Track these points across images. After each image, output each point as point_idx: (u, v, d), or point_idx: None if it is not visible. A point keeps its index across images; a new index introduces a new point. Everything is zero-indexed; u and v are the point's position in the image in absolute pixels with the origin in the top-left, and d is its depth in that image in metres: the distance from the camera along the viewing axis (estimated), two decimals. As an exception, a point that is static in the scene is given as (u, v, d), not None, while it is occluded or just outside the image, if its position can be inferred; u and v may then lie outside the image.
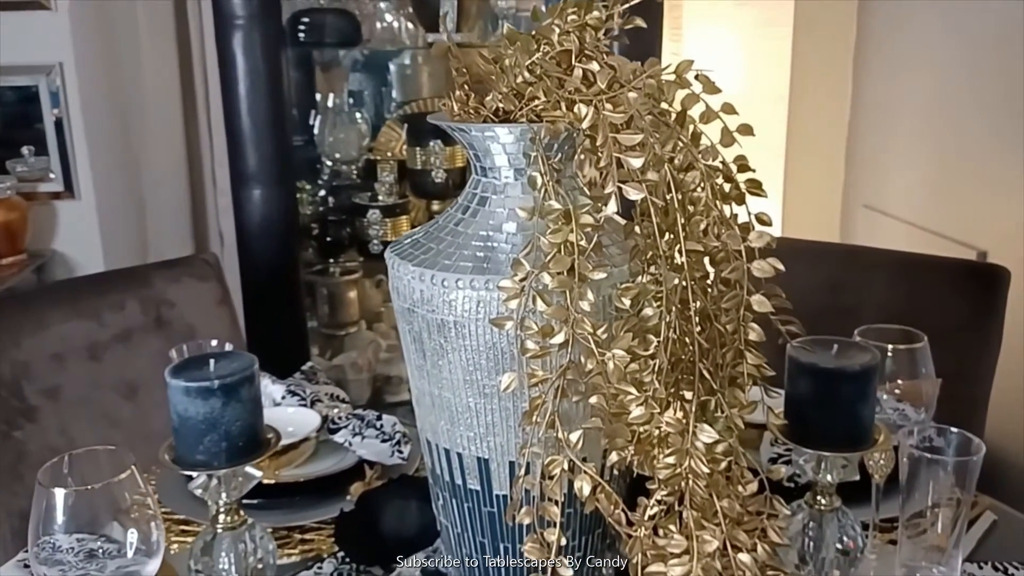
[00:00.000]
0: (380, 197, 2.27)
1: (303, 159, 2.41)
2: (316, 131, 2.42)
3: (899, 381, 0.98)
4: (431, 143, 2.21)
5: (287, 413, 1.25)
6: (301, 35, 2.20)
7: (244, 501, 0.88)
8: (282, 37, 2.08)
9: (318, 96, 2.44)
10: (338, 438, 1.20)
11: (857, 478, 0.87)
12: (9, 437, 1.34)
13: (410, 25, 2.27)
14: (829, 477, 0.85)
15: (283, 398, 1.28)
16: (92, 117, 2.37)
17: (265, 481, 1.14)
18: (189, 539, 1.06)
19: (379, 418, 1.22)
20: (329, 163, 2.44)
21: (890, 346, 0.96)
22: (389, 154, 2.37)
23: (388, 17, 2.32)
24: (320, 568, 1.03)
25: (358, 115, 2.43)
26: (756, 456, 0.74)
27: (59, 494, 0.70)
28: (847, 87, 2.59)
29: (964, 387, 1.43)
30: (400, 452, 1.18)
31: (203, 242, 2.47)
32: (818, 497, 0.87)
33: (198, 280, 1.56)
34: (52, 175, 2.45)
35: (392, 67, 2.50)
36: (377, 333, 2.44)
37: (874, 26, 2.50)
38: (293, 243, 2.18)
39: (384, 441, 1.19)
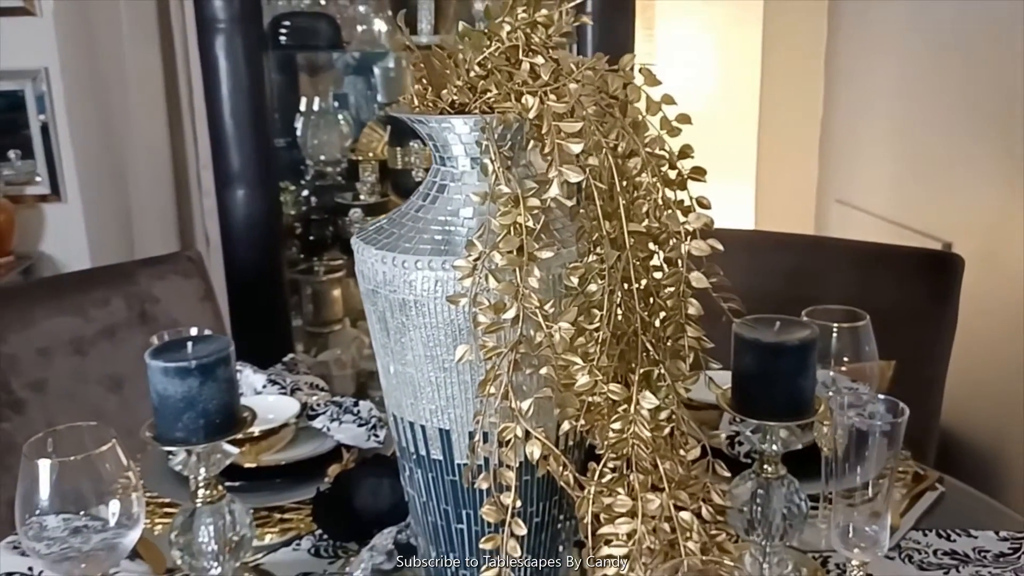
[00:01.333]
0: (362, 196, 2.33)
1: (287, 160, 2.46)
2: (299, 133, 2.47)
3: (845, 359, 1.03)
4: (411, 143, 2.26)
5: (268, 401, 1.29)
6: (283, 38, 2.25)
7: (227, 484, 0.93)
8: (263, 40, 2.13)
9: (303, 99, 2.49)
10: (316, 424, 1.25)
11: (800, 447, 0.92)
12: (-2, 429, 1.39)
13: (390, 27, 2.32)
14: (773, 446, 0.90)
15: (264, 387, 1.33)
16: (77, 121, 2.41)
17: (247, 465, 1.20)
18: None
19: (356, 404, 1.27)
20: (312, 164, 2.48)
21: (835, 325, 1.01)
22: (371, 155, 2.42)
23: (373, 20, 2.37)
24: (299, 545, 1.08)
25: (340, 117, 2.48)
26: (706, 430, 0.79)
27: (43, 465, 0.74)
28: (819, 86, 2.65)
29: (921, 368, 1.49)
30: (376, 436, 1.22)
31: (189, 243, 2.50)
32: (765, 466, 0.92)
33: (182, 277, 1.61)
34: (38, 178, 2.49)
35: (376, 70, 2.55)
36: (360, 331, 2.49)
37: (844, 26, 2.56)
38: (277, 242, 2.23)
39: (360, 426, 1.24)
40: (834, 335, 1.02)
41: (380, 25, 2.30)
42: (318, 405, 1.28)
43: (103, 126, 2.41)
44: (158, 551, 1.06)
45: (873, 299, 1.53)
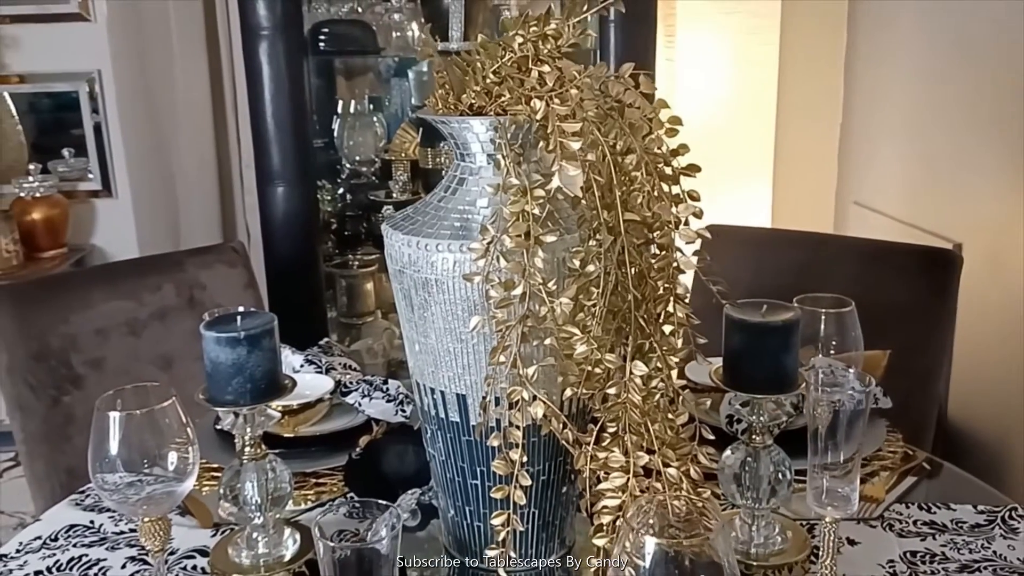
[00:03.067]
0: (394, 194, 2.44)
1: (324, 160, 2.58)
2: (336, 134, 2.60)
3: (833, 343, 1.12)
4: (441, 144, 2.37)
5: (305, 378, 1.40)
6: (322, 44, 2.37)
7: (268, 451, 1.04)
8: (304, 46, 2.26)
9: (340, 102, 2.61)
10: (349, 400, 1.36)
11: (784, 419, 1.01)
12: (59, 402, 1.52)
13: (422, 34, 2.43)
14: (761, 417, 1.00)
15: (302, 366, 1.44)
16: (128, 121, 2.56)
17: (286, 435, 1.31)
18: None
19: (385, 382, 1.38)
20: (348, 163, 2.61)
21: (823, 311, 1.10)
22: (403, 155, 2.54)
23: (407, 27, 2.48)
24: (332, 505, 1.19)
25: (375, 119, 2.60)
26: (692, 397, 0.88)
27: (113, 417, 0.85)
28: (839, 91, 2.73)
29: (921, 359, 1.57)
30: (403, 411, 1.33)
31: (231, 237, 2.65)
32: (753, 436, 1.01)
33: (227, 266, 1.73)
34: (91, 175, 2.64)
35: (411, 74, 2.67)
36: (391, 322, 2.61)
37: (863, 33, 2.64)
38: (313, 237, 2.35)
39: (389, 401, 1.34)
40: (823, 321, 1.11)
41: (414, 31, 2.41)
42: (351, 383, 1.39)
43: (152, 126, 2.56)
44: (206, 508, 1.18)
45: (875, 294, 1.62)
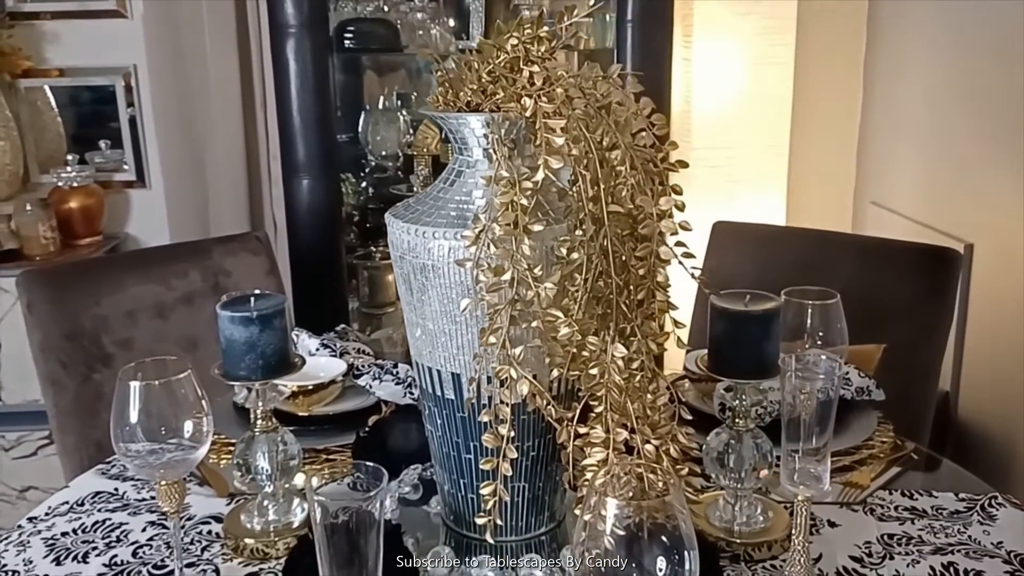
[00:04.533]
0: (415, 188, 2.51)
1: (349, 154, 2.66)
2: (361, 129, 2.67)
3: (820, 334, 1.17)
4: (461, 139, 2.43)
5: (320, 361, 1.48)
6: (347, 42, 2.44)
7: (279, 425, 1.11)
8: (329, 44, 2.33)
9: (366, 97, 2.68)
10: (361, 382, 1.43)
11: (766, 403, 1.06)
12: (90, 379, 1.60)
13: (444, 32, 2.50)
14: (744, 402, 1.05)
15: (317, 349, 1.51)
16: (162, 114, 2.65)
17: (300, 414, 1.38)
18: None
19: (395, 366, 1.44)
20: (372, 158, 2.68)
21: (809, 303, 1.15)
22: (425, 150, 2.61)
23: (430, 26, 2.55)
24: (340, 482, 1.26)
25: (400, 115, 2.67)
26: (666, 379, 0.94)
27: (134, 387, 0.92)
28: (857, 91, 2.75)
29: (919, 355, 1.61)
30: (411, 393, 1.40)
31: (258, 227, 2.73)
32: (736, 419, 1.06)
33: (251, 254, 1.81)
34: (126, 166, 2.74)
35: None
36: (412, 312, 2.68)
37: (883, 34, 2.66)
38: (336, 229, 2.42)
39: (398, 384, 1.41)
40: (808, 313, 1.15)
41: (437, 30, 2.48)
42: (363, 366, 1.46)
43: (185, 119, 2.65)
44: (222, 479, 1.25)
45: (877, 290, 1.67)
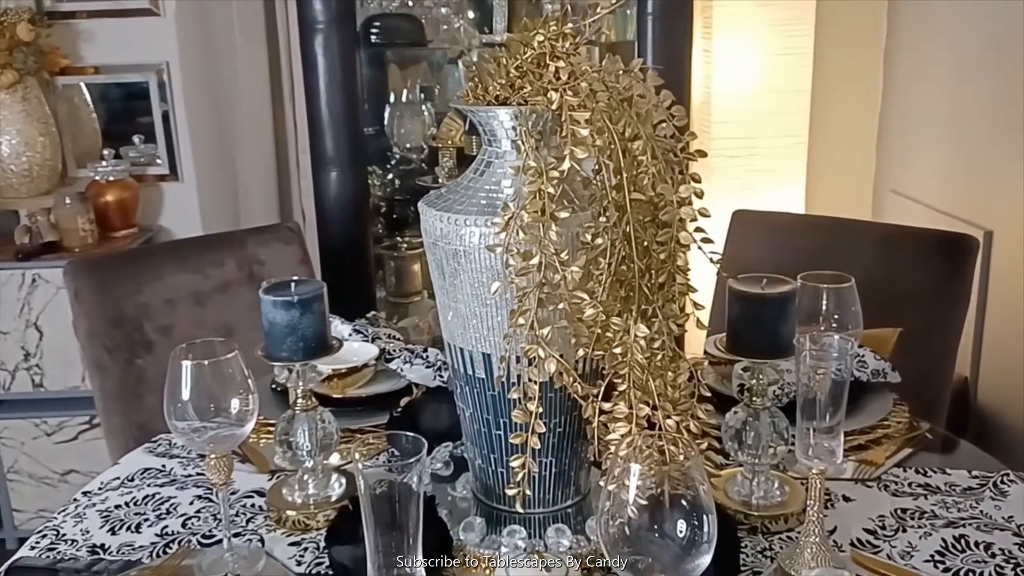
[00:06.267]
0: (440, 180, 2.56)
1: (375, 147, 2.72)
2: (387, 122, 2.73)
3: (835, 317, 1.21)
4: (485, 132, 2.49)
5: (353, 346, 1.54)
6: (373, 37, 2.50)
7: (318, 404, 1.17)
8: (356, 39, 2.39)
9: (392, 91, 2.74)
10: (392, 365, 1.49)
11: (783, 383, 1.11)
12: (132, 364, 1.67)
13: (468, 27, 2.55)
14: (761, 381, 1.09)
15: (350, 335, 1.57)
16: (194, 110, 2.72)
17: (335, 396, 1.44)
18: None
19: (425, 350, 1.50)
20: (398, 150, 2.74)
21: (824, 287, 1.19)
22: (449, 142, 2.66)
23: (454, 21, 2.60)
24: (377, 459, 1.32)
25: (424, 108, 2.73)
26: (686, 358, 0.98)
27: (185, 366, 0.99)
28: (877, 81, 2.77)
29: (935, 340, 1.64)
30: (441, 376, 1.45)
31: (288, 218, 2.80)
32: (754, 398, 1.11)
33: (284, 244, 1.87)
34: (159, 160, 2.82)
35: (461, 65, 2.79)
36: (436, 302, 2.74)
37: (904, 24, 2.68)
38: (364, 220, 2.49)
39: (428, 367, 1.47)
40: (824, 297, 1.20)
41: (461, 25, 2.53)
42: (394, 350, 1.51)
43: (216, 114, 2.72)
44: (262, 457, 1.31)
45: (894, 277, 1.70)
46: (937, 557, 1.04)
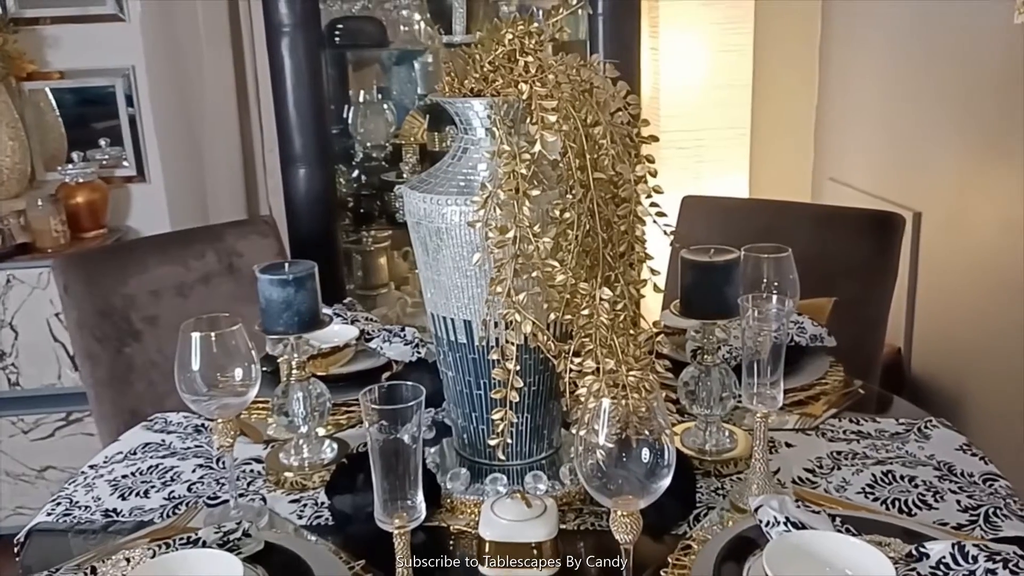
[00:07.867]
0: (404, 175, 2.67)
1: (340, 145, 2.81)
2: (350, 121, 2.83)
3: (775, 284, 1.34)
4: (447, 128, 2.60)
5: (334, 328, 1.64)
6: (337, 39, 2.59)
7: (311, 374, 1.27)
8: (322, 41, 2.48)
9: (352, 92, 2.84)
10: (372, 344, 1.60)
11: (729, 341, 1.24)
12: (121, 352, 1.76)
13: (428, 28, 2.66)
14: (711, 340, 1.23)
15: (330, 318, 1.67)
16: (160, 112, 2.79)
17: (319, 374, 1.54)
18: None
19: (402, 329, 1.62)
20: (361, 148, 2.84)
21: (764, 256, 1.33)
22: (412, 139, 2.77)
23: (414, 22, 2.71)
24: (360, 426, 1.42)
25: (386, 107, 2.83)
26: (646, 318, 1.11)
27: (194, 337, 1.09)
28: (814, 75, 2.95)
29: (867, 309, 1.80)
30: (418, 352, 1.57)
31: (255, 216, 2.88)
32: (704, 355, 1.24)
33: (260, 236, 1.97)
34: (126, 162, 2.88)
35: (416, 65, 2.90)
36: (403, 293, 2.84)
37: (837, 20, 2.86)
38: (332, 215, 2.58)
39: (406, 345, 1.58)
40: (764, 266, 1.33)
41: (420, 26, 2.64)
42: (373, 331, 1.62)
43: (182, 117, 2.79)
44: (255, 429, 1.41)
45: (830, 252, 1.86)
46: (868, 490, 1.18)
